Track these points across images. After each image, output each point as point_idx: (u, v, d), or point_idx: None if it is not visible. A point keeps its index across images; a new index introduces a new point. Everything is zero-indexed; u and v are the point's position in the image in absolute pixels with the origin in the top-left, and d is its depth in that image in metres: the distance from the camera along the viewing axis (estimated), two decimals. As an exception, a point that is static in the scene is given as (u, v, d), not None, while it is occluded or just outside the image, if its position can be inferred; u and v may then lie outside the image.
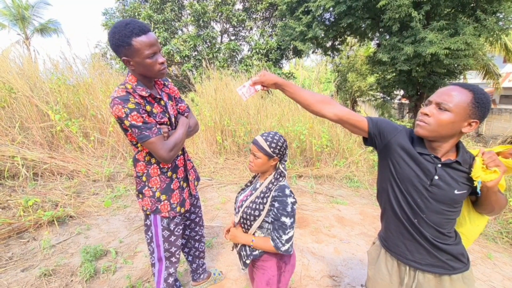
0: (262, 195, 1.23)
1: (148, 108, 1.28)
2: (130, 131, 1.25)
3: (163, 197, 1.42)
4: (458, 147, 1.05)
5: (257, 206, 1.23)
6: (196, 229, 1.82)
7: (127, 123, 1.20)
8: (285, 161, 1.27)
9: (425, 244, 1.07)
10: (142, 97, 1.26)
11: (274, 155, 1.21)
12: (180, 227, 1.56)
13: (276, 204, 1.17)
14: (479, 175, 0.92)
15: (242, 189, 1.43)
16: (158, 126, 1.28)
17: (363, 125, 1.13)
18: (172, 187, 1.45)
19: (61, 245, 2.47)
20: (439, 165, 1.01)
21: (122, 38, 1.14)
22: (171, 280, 1.58)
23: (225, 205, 3.47)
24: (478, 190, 0.94)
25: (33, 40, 17.79)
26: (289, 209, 1.16)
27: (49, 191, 3.27)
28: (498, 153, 1.02)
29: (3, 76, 4.28)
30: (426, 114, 0.99)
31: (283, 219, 1.15)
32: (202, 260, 1.98)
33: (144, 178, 1.40)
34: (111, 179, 3.87)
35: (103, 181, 3.75)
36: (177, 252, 1.57)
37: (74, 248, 2.45)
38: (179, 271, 2.22)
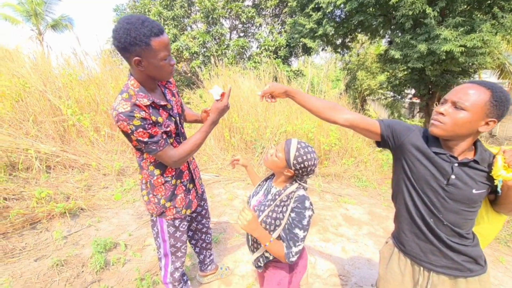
0: (282, 203, 1.17)
1: (153, 118, 1.21)
2: (136, 144, 1.22)
3: (168, 204, 1.42)
4: (476, 145, 1.02)
5: (278, 215, 1.16)
6: (202, 222, 1.83)
7: (133, 138, 1.16)
8: (303, 181, 1.19)
9: (439, 246, 1.06)
10: (146, 105, 1.19)
11: (293, 168, 1.13)
12: (185, 223, 1.56)
13: (293, 215, 1.12)
14: (501, 174, 0.89)
15: (254, 192, 1.37)
16: (164, 136, 1.24)
17: (376, 128, 1.12)
18: (176, 192, 1.43)
19: (72, 237, 2.53)
20: (456, 164, 0.98)
21: (140, 37, 1.05)
22: (177, 274, 1.59)
23: (232, 201, 3.48)
24: (499, 189, 0.92)
25: (46, 35, 18.15)
26: (305, 222, 1.11)
27: (61, 184, 3.34)
28: None
29: (18, 70, 4.39)
30: (442, 113, 0.97)
31: (296, 231, 1.11)
32: (209, 251, 2.00)
33: (148, 185, 1.39)
34: (121, 173, 3.93)
35: (113, 175, 3.81)
36: (183, 246, 1.58)
37: (85, 240, 2.50)
38: (186, 265, 2.25)
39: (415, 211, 1.09)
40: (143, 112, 1.15)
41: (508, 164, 0.89)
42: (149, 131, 1.16)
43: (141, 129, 1.14)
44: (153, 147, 1.19)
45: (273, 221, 1.16)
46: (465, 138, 0.98)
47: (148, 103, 1.19)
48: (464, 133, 0.96)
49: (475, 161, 0.97)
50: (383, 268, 1.27)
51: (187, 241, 1.89)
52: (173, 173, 1.40)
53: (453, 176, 0.98)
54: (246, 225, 1.12)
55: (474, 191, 0.97)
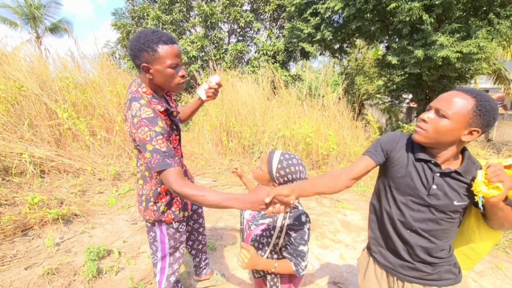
0: (274, 224, 1.14)
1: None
2: (148, 156, 1.09)
3: (165, 208, 1.40)
4: (463, 155, 0.99)
5: (271, 233, 1.14)
6: (199, 221, 1.82)
7: (149, 147, 1.08)
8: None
9: (411, 260, 1.06)
10: (163, 112, 1.19)
11: (276, 181, 1.10)
12: (184, 223, 1.54)
13: (293, 234, 1.10)
14: (481, 189, 0.85)
15: None
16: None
17: (371, 165, 1.10)
18: (173, 196, 1.41)
19: (65, 244, 2.48)
20: (438, 174, 0.96)
21: (147, 43, 1.11)
22: (173, 279, 1.56)
23: (229, 207, 3.44)
24: (480, 206, 0.87)
25: (45, 39, 18.11)
26: (306, 237, 1.11)
27: (55, 189, 3.29)
28: (509, 166, 0.92)
29: (14, 74, 4.34)
30: (424, 121, 0.95)
31: (301, 248, 1.11)
32: (204, 254, 1.98)
33: (151, 194, 1.36)
34: (117, 178, 3.88)
35: (108, 180, 3.76)
36: (182, 246, 1.56)
37: (78, 247, 2.45)
38: (181, 273, 2.20)
39: (390, 224, 1.08)
40: (163, 121, 1.15)
41: (488, 180, 0.84)
42: (166, 141, 1.11)
43: (160, 137, 1.09)
44: (169, 161, 1.07)
45: (267, 233, 1.16)
46: (447, 146, 0.95)
47: (162, 109, 1.19)
48: (446, 141, 0.93)
49: (457, 173, 0.94)
50: (361, 277, 1.27)
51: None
52: None
53: (434, 186, 0.96)
54: (248, 264, 1.08)
55: (455, 202, 0.95)
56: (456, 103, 0.88)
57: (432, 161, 0.97)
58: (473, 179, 0.91)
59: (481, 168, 0.91)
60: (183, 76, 1.21)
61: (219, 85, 1.47)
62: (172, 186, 1.04)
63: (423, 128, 0.95)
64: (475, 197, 0.88)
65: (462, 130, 0.89)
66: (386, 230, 1.10)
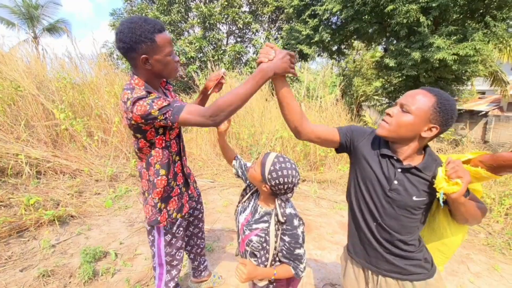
0: (269, 219, 1.15)
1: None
2: (161, 118, 1.09)
3: (162, 206, 1.39)
4: (425, 152, 1.03)
5: (266, 238, 1.13)
6: (199, 226, 1.80)
7: (154, 112, 1.07)
8: (284, 199, 1.12)
9: (381, 251, 1.09)
10: None
11: (268, 184, 1.07)
12: (181, 229, 1.53)
13: (287, 238, 1.10)
14: (442, 186, 0.88)
15: (242, 208, 1.31)
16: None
17: (336, 137, 1.13)
18: (171, 194, 1.40)
19: (61, 245, 2.46)
20: (399, 170, 1.00)
21: (145, 34, 1.07)
22: (172, 284, 1.55)
23: (227, 208, 3.43)
24: (441, 202, 0.90)
25: (43, 39, 18.02)
26: (300, 240, 1.11)
27: (51, 190, 3.26)
28: (468, 161, 0.99)
29: (10, 74, 4.32)
30: (389, 115, 1.00)
31: (297, 251, 1.11)
32: (203, 257, 1.97)
33: (150, 185, 1.35)
34: (114, 179, 3.86)
35: (105, 181, 3.74)
36: (179, 254, 1.54)
37: (74, 249, 2.43)
38: (179, 275, 2.19)
39: (360, 216, 1.12)
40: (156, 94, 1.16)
41: (448, 176, 0.87)
42: (165, 100, 1.12)
43: (157, 99, 1.09)
44: (178, 104, 1.09)
45: (262, 238, 1.15)
46: (409, 142, 0.99)
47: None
48: (407, 135, 0.97)
49: (417, 169, 0.98)
50: (342, 275, 1.30)
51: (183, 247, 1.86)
52: (172, 175, 1.37)
53: (395, 182, 1.00)
54: (246, 277, 1.07)
55: (414, 198, 0.98)
56: (419, 100, 0.94)
57: (395, 157, 1.01)
58: (434, 177, 0.95)
59: (441, 165, 0.94)
60: (177, 62, 1.24)
61: (223, 76, 1.45)
62: (203, 113, 1.06)
63: (387, 121, 0.99)
64: (437, 193, 0.91)
65: (422, 125, 0.94)
66: (358, 222, 1.13)
